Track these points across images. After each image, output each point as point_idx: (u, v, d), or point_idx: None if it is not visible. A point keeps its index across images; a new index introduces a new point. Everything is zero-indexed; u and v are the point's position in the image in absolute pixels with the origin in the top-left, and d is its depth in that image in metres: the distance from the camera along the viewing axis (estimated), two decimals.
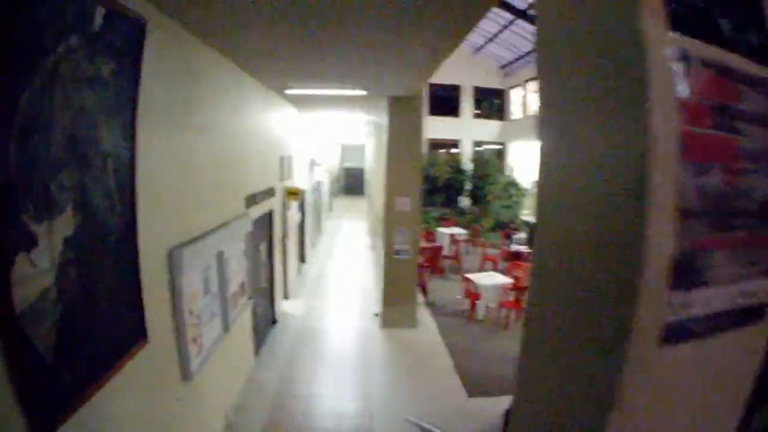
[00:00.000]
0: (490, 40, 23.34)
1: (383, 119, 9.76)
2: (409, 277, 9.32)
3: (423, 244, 13.35)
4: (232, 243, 5.77)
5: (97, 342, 2.92)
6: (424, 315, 10.08)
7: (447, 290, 11.86)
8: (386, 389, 7.03)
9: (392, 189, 9.05)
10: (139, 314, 3.47)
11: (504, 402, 5.82)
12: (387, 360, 8.04)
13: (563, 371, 1.79)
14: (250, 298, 6.73)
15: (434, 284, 12.28)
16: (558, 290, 1.87)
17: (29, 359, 2.28)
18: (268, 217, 8.66)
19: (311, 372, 7.51)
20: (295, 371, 7.48)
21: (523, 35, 20.86)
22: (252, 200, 7.05)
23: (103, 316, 2.99)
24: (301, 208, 12.52)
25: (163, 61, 3.84)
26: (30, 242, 2.28)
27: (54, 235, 2.47)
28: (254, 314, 7.42)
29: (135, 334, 3.42)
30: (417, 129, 8.96)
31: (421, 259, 11.04)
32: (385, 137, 9.32)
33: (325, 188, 20.51)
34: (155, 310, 3.75)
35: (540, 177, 2.08)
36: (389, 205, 9.10)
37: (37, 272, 2.34)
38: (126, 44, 3.10)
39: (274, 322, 9.21)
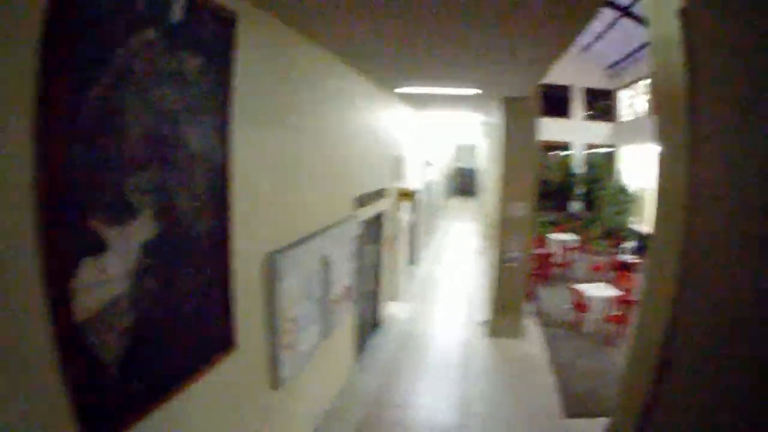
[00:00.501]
0: (597, 39, 21.92)
1: (497, 120, 9.30)
2: (518, 285, 8.80)
3: (533, 250, 12.68)
4: (338, 246, 5.56)
5: (175, 351, 2.73)
6: (530, 324, 9.52)
7: (555, 299, 11.14)
8: (484, 402, 6.60)
9: (506, 193, 8.56)
10: (227, 322, 3.26)
11: (600, 424, 5.28)
12: (488, 371, 7.58)
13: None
14: (354, 301, 6.49)
15: (542, 292, 11.61)
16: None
17: (88, 368, 2.10)
18: (379, 219, 8.42)
19: (410, 379, 7.20)
20: (394, 378, 7.19)
21: (628, 34, 19.31)
22: (362, 202, 6.83)
23: (185, 325, 2.80)
24: (413, 209, 12.22)
25: (260, 56, 3.60)
26: (98, 248, 2.11)
27: (129, 241, 2.30)
28: (357, 317, 7.20)
29: (221, 341, 3.22)
30: (531, 131, 8.43)
31: (531, 266, 10.42)
32: (499, 139, 8.84)
33: (439, 189, 20.08)
34: (248, 316, 3.57)
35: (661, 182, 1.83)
36: (503, 210, 8.60)
37: (106, 279, 2.16)
38: (214, 38, 2.87)
39: (378, 325, 8.96)
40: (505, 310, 8.80)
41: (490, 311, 8.93)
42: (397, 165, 9.41)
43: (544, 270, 12.83)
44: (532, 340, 8.82)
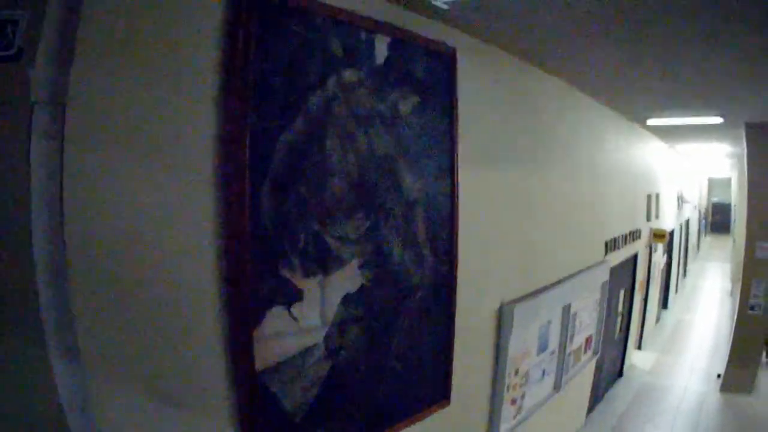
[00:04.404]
0: None
1: (740, 150, 7.92)
2: (758, 336, 7.15)
3: None
4: (583, 294, 4.88)
5: (374, 402, 2.38)
6: (762, 377, 7.61)
7: None
8: None
9: (753, 231, 7.03)
10: (441, 376, 2.84)
11: None
12: None
13: None
14: (596, 351, 5.61)
15: None
16: None
17: (266, 414, 1.86)
18: (631, 262, 7.42)
19: None
20: None
21: None
22: (612, 245, 6.02)
23: (388, 377, 2.45)
24: (667, 249, 10.68)
25: (487, 92, 3.16)
26: (291, 298, 1.91)
27: (329, 291, 2.07)
28: (598, 368, 6.26)
29: (431, 396, 2.79)
30: None
31: None
32: (742, 171, 7.49)
33: (693, 226, 17.25)
34: (468, 370, 3.09)
35: None
36: (749, 251, 7.07)
37: (299, 329, 1.95)
38: (430, 75, 2.53)
39: (619, 375, 7.82)
40: (742, 362, 7.27)
41: (728, 363, 7.41)
42: (652, 203, 8.30)
43: None
44: (762, 397, 7.14)
